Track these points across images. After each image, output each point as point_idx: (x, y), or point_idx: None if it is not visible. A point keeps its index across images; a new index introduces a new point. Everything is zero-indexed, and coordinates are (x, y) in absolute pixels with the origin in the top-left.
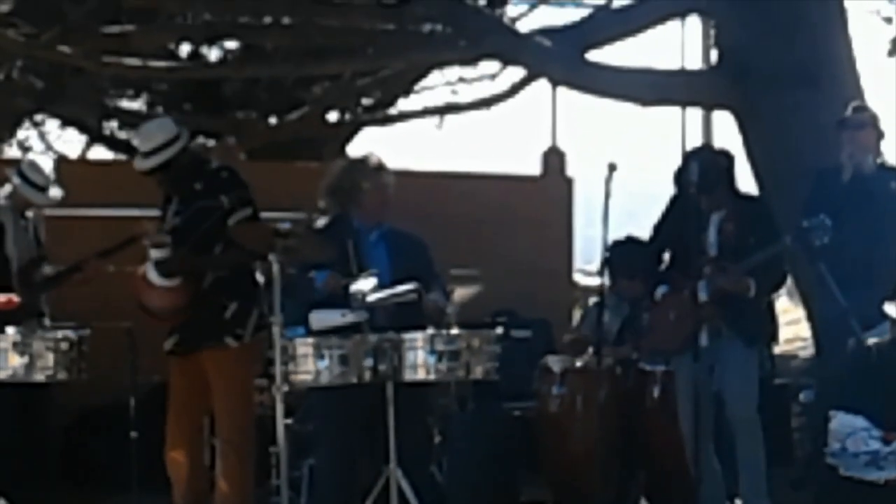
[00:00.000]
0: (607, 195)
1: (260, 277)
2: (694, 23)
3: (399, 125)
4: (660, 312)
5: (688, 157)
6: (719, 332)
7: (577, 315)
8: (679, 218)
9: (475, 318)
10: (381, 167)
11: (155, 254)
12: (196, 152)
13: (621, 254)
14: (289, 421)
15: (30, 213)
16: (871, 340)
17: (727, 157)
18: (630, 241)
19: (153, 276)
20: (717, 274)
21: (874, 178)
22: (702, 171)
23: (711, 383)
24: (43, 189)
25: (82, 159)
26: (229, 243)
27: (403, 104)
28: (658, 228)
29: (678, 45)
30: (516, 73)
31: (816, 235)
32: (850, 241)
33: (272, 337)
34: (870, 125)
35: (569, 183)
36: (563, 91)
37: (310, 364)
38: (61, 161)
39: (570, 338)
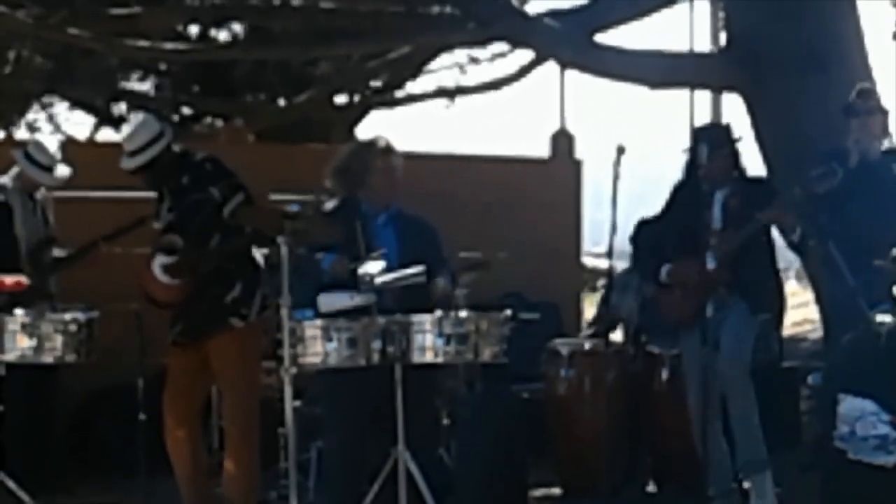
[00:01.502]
0: (616, 178)
1: (260, 259)
2: (703, 5)
3: (407, 107)
4: (666, 291)
5: (697, 130)
6: (725, 302)
7: (589, 299)
8: (685, 201)
9: (483, 301)
10: (389, 150)
11: (162, 259)
12: (180, 147)
13: (649, 232)
14: (297, 403)
15: (38, 195)
16: (881, 318)
17: (734, 136)
18: (656, 219)
19: (159, 273)
20: (722, 239)
21: (880, 164)
22: (710, 141)
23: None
24: (49, 169)
25: (91, 141)
26: (226, 233)
27: (411, 86)
28: (663, 214)
29: (687, 27)
30: (525, 55)
31: (823, 182)
32: (856, 226)
33: (281, 319)
34: (878, 110)
35: (577, 165)
36: (571, 73)
37: (318, 346)
38: (70, 143)
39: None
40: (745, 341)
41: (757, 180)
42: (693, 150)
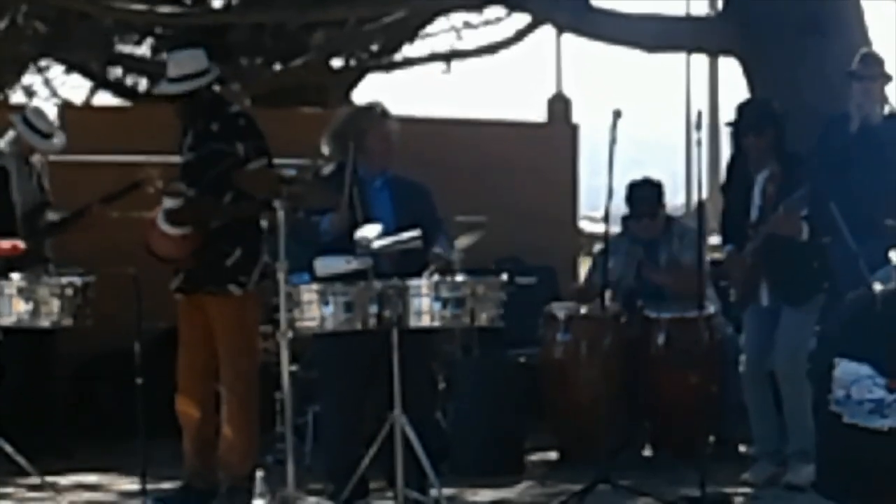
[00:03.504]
0: (612, 142)
1: (264, 224)
2: None
3: (403, 72)
4: (725, 270)
5: (739, 106)
6: (776, 291)
7: (585, 263)
8: (737, 180)
9: (480, 265)
10: (385, 114)
11: (168, 202)
12: (219, 92)
13: (642, 193)
14: (294, 368)
15: (34, 160)
16: (877, 287)
17: (778, 113)
18: (648, 182)
19: (163, 223)
20: (752, 235)
21: (882, 128)
22: (751, 119)
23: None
24: (47, 135)
25: (87, 105)
26: (240, 193)
27: (408, 50)
28: (726, 189)
29: None
30: (521, 19)
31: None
32: (857, 190)
33: (277, 283)
34: (881, 75)
35: (574, 130)
36: (568, 38)
37: (314, 310)
38: (66, 107)
39: (577, 287)
40: (801, 339)
41: (798, 161)
42: (736, 126)
